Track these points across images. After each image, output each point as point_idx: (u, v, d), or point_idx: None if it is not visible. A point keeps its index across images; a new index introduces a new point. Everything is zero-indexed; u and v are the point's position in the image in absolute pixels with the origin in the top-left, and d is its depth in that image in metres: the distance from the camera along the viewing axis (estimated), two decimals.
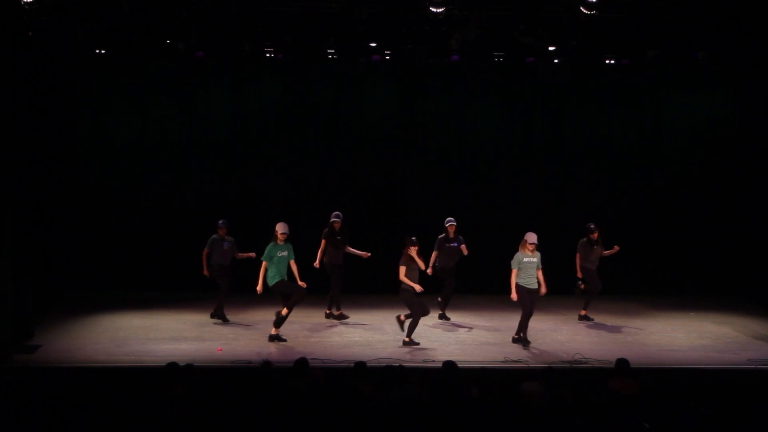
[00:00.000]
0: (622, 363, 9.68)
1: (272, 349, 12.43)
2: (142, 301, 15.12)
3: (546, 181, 16.76)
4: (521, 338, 12.90)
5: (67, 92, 15.61)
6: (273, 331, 12.85)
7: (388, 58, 15.39)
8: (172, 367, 9.24)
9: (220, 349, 12.34)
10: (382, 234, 16.44)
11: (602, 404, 8.56)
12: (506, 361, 11.94)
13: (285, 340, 12.79)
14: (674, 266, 16.78)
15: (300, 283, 12.90)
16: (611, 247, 14.35)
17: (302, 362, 9.58)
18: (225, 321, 13.98)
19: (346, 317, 14.29)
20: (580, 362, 11.87)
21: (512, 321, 13.45)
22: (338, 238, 14.15)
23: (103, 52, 14.90)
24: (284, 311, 12.77)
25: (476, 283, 15.26)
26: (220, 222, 14.05)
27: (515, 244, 13.16)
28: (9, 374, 10.22)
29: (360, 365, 9.60)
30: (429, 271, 13.80)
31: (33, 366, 11.34)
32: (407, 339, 12.70)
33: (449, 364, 9.51)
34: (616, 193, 16.85)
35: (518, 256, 12.82)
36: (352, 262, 14.40)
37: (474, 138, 16.83)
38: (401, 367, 9.34)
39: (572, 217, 15.98)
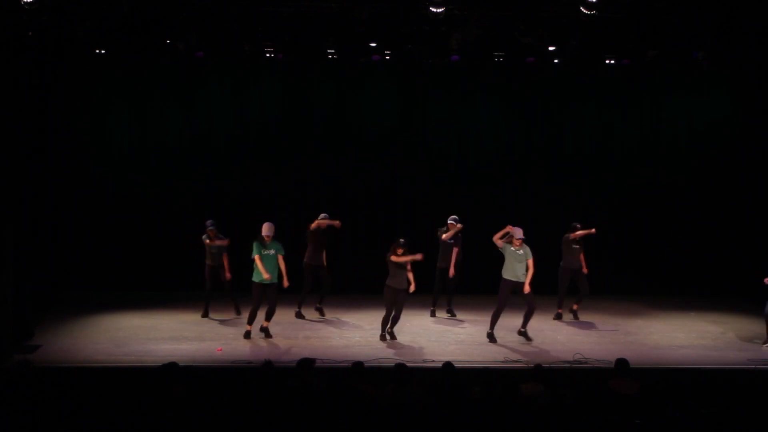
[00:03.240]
0: (621, 363, 9.68)
1: (271, 349, 12.43)
2: (142, 301, 15.11)
3: (546, 181, 16.76)
4: (522, 332, 13.13)
5: (67, 92, 15.61)
6: (264, 324, 13.07)
7: (388, 58, 15.41)
8: (172, 367, 9.24)
9: (220, 349, 12.35)
10: (383, 234, 16.43)
11: (602, 404, 8.57)
12: (506, 361, 11.94)
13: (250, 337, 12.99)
14: (674, 266, 16.77)
15: (285, 282, 13.04)
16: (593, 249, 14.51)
17: (307, 362, 9.57)
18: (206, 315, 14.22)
19: (303, 317, 14.35)
20: (580, 362, 11.87)
21: (513, 321, 13.46)
22: (323, 237, 14.20)
23: (103, 52, 14.91)
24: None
25: (476, 283, 15.23)
26: (208, 223, 14.12)
27: None
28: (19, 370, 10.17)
29: (358, 365, 9.58)
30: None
31: (33, 366, 11.30)
32: (382, 333, 13.01)
33: (448, 365, 9.52)
34: (615, 192, 16.84)
35: (506, 245, 13.10)
36: (352, 262, 14.39)
37: (474, 138, 16.82)
38: (401, 367, 9.34)
39: (572, 217, 15.95)
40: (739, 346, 13.13)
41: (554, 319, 14.55)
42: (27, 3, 11.90)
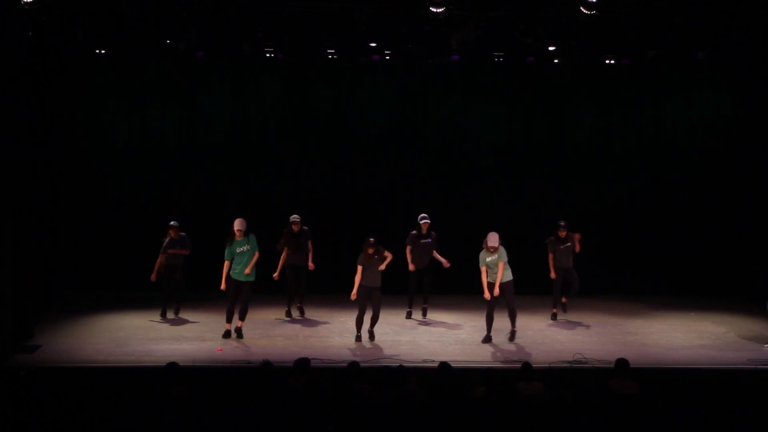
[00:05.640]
0: (621, 363, 9.69)
1: (271, 350, 12.43)
2: (142, 301, 15.09)
3: (546, 181, 16.75)
4: (487, 336, 13.05)
5: (67, 92, 15.61)
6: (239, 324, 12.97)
7: (388, 58, 15.41)
8: (172, 367, 9.25)
9: (220, 349, 12.35)
10: (382, 234, 16.40)
11: (602, 404, 8.58)
12: (506, 361, 11.94)
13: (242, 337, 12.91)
14: (674, 266, 16.76)
15: (248, 269, 12.87)
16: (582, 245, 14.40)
17: (303, 362, 9.57)
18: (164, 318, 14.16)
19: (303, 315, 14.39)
20: (580, 362, 11.87)
21: (508, 322, 13.47)
22: (300, 240, 14.12)
23: (103, 52, 14.92)
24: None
25: (476, 283, 15.22)
26: (171, 223, 14.08)
27: (514, 244, 13.18)
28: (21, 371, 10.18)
29: (353, 365, 9.54)
30: (411, 267, 13.90)
31: (33, 366, 11.32)
32: (357, 334, 13.00)
33: (444, 365, 9.53)
34: (615, 192, 16.83)
35: (482, 255, 12.95)
36: (352, 261, 14.34)
37: (474, 138, 16.82)
38: (401, 367, 9.35)
39: (572, 216, 15.94)
40: (739, 346, 13.13)
41: (552, 319, 14.51)
42: (27, 3, 11.91)
